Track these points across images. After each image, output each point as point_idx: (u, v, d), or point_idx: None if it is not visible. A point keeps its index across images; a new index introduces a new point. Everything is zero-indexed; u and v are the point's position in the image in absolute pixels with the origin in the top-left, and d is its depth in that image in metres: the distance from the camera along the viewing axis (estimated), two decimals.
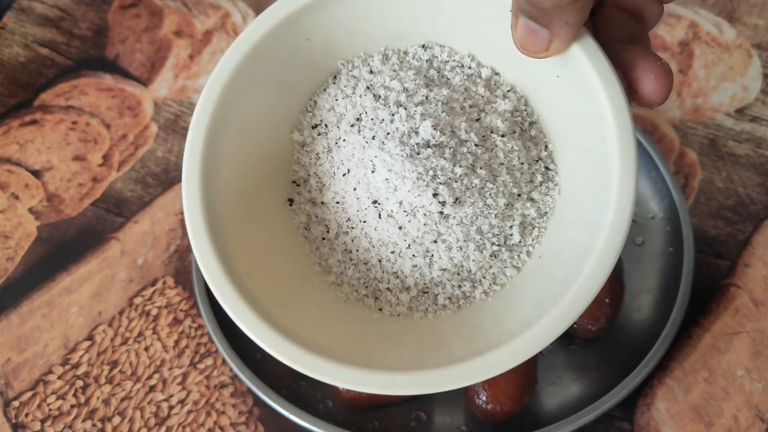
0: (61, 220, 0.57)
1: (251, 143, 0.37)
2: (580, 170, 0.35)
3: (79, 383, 0.48)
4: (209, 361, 0.49)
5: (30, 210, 0.57)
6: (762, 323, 0.48)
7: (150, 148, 0.61)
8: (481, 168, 0.34)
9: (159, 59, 0.66)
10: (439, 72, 0.38)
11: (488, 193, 0.34)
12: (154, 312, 0.51)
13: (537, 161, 0.36)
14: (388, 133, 0.34)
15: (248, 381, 0.45)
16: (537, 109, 0.37)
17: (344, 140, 0.36)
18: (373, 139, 0.35)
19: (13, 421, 0.47)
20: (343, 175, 0.36)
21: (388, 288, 0.36)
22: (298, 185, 0.38)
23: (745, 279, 0.50)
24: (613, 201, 0.31)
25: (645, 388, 0.46)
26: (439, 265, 0.35)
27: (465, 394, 0.44)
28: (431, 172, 0.33)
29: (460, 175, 0.34)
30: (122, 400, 0.48)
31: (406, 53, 0.38)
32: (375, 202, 0.35)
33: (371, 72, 0.38)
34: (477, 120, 0.36)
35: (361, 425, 0.44)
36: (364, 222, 0.35)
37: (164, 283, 0.52)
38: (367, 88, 0.37)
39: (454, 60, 0.38)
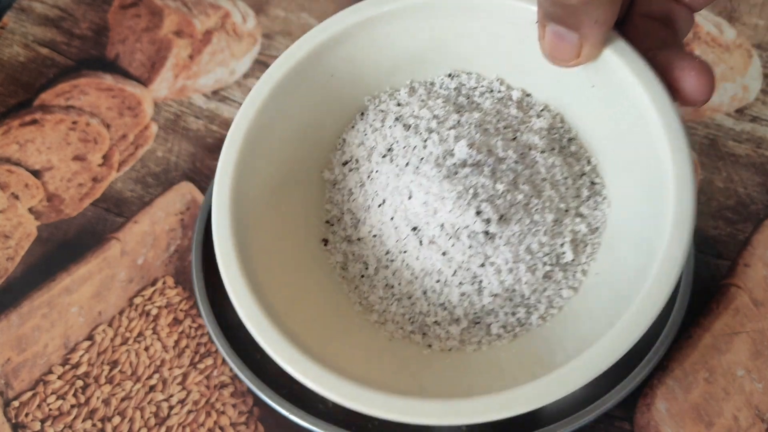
0: (61, 220, 0.57)
1: (281, 186, 0.36)
2: (629, 181, 0.33)
3: (79, 383, 0.48)
4: (209, 361, 0.49)
5: (30, 210, 0.57)
6: (762, 323, 0.48)
7: (150, 148, 0.61)
8: (523, 183, 0.32)
9: (159, 59, 0.66)
10: (468, 98, 0.37)
11: (534, 208, 0.32)
12: (154, 312, 0.51)
13: (581, 176, 0.34)
14: (422, 158, 0.33)
15: (248, 381, 0.45)
16: (575, 125, 0.35)
17: (377, 171, 0.35)
18: (406, 165, 0.33)
19: (13, 421, 0.47)
20: (379, 206, 0.34)
21: (435, 321, 0.34)
22: (332, 225, 0.37)
23: (745, 279, 0.50)
24: (671, 205, 0.29)
25: (645, 388, 0.46)
26: (489, 290, 0.33)
27: None
28: (471, 190, 0.32)
29: (503, 192, 0.32)
30: (122, 400, 0.48)
31: (432, 84, 0.37)
32: (414, 228, 0.33)
33: (399, 104, 0.37)
34: (513, 139, 0.34)
35: (361, 425, 0.44)
36: (405, 252, 0.33)
37: (164, 283, 0.53)
38: (396, 119, 0.36)
39: (482, 85, 0.37)
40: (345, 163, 0.37)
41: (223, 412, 0.47)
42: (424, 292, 0.34)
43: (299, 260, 0.36)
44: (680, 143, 0.29)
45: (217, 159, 0.40)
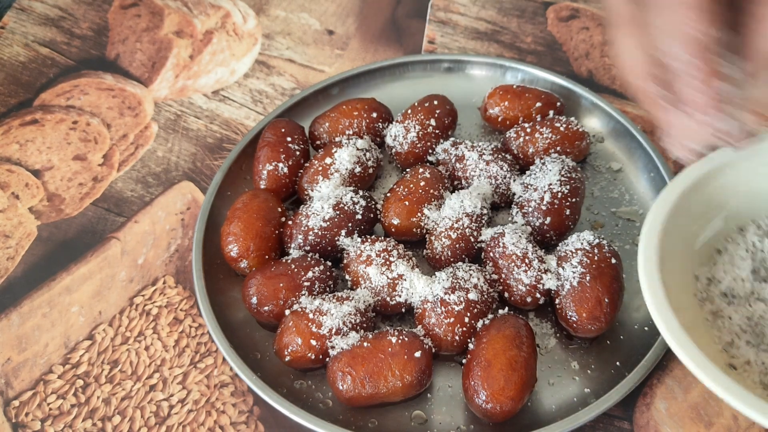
0: (62, 219, 0.57)
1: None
2: None
3: (80, 383, 0.48)
4: (209, 361, 0.49)
5: (30, 209, 0.57)
6: None
7: (150, 148, 0.61)
8: None
9: (159, 59, 0.66)
10: None
11: None
12: (155, 311, 0.51)
13: None
14: None
15: (248, 380, 0.45)
16: None
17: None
18: None
19: (13, 420, 0.47)
20: None
21: None
22: (730, 353, 0.42)
23: None
24: None
25: (645, 387, 0.46)
26: None
27: (465, 393, 0.44)
28: None
29: None
30: (122, 399, 0.48)
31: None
32: None
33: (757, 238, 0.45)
34: None
35: (360, 425, 0.44)
36: None
37: (165, 282, 0.53)
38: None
39: None
40: (724, 294, 0.44)
41: (223, 412, 0.47)
42: None
43: None
44: None
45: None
